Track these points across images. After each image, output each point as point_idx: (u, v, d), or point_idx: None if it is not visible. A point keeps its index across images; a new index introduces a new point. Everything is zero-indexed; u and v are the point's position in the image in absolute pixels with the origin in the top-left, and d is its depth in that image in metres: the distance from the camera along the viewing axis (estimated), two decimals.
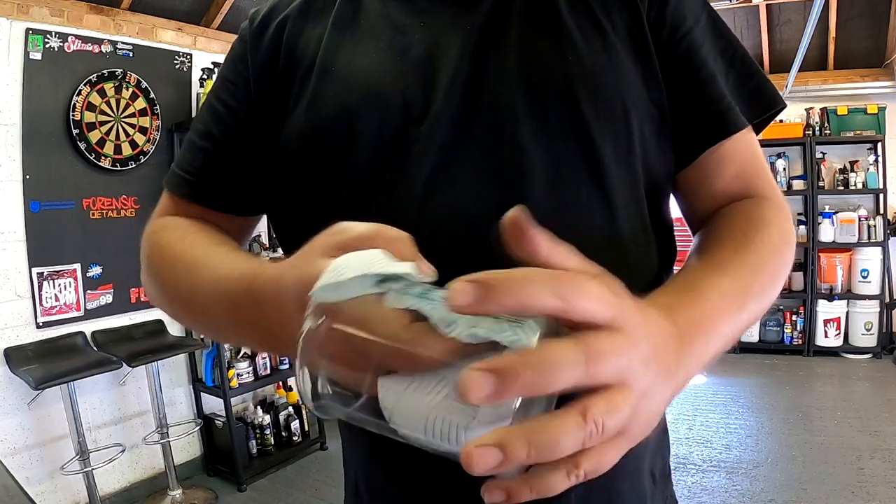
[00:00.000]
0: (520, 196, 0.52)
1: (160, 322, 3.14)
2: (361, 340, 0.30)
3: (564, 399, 0.29)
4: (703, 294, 0.44)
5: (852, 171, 4.77)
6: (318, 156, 0.56)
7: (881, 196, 4.76)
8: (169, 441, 2.96)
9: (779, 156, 4.97)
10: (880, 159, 4.68)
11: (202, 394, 3.31)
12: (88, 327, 2.90)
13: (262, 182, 0.62)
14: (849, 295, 4.81)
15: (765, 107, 0.60)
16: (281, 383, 3.63)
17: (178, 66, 3.29)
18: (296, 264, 0.38)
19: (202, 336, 3.19)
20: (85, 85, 2.85)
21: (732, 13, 4.49)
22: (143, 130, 3.09)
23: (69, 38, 2.82)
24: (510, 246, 0.32)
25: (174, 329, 3.19)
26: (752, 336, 4.92)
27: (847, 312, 4.82)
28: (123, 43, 3.03)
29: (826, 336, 4.83)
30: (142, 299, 3.08)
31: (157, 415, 2.97)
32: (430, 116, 0.53)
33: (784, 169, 4.93)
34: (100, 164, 2.91)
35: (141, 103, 3.08)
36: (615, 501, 0.56)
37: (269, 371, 3.37)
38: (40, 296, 2.74)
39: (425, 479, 0.56)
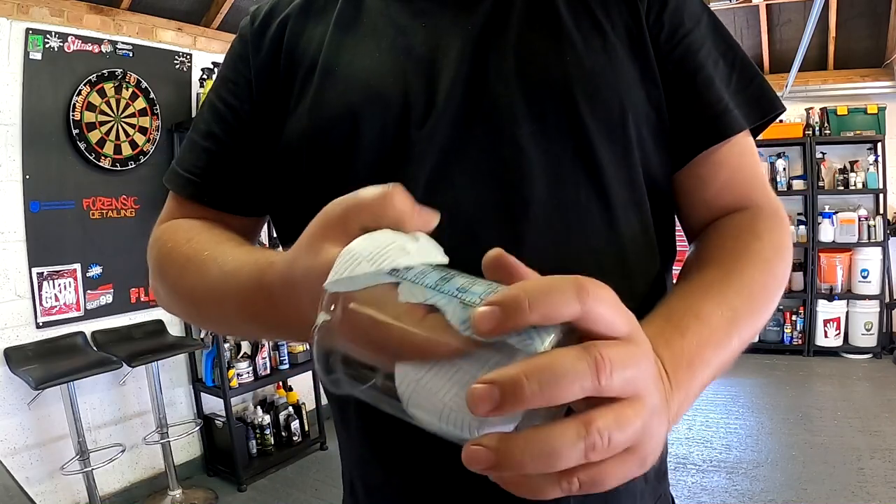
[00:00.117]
0: (519, 197, 0.52)
1: (160, 322, 3.14)
2: (376, 333, 0.30)
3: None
4: (686, 323, 0.43)
5: (852, 171, 4.77)
6: (320, 155, 0.57)
7: (881, 196, 4.76)
8: (169, 441, 2.96)
9: (779, 156, 4.97)
10: (880, 159, 4.68)
11: (202, 394, 3.31)
12: (88, 327, 2.90)
13: (267, 181, 0.62)
14: (849, 295, 4.81)
15: (765, 110, 0.60)
16: (281, 383, 3.62)
17: (178, 66, 3.29)
18: (304, 254, 0.37)
19: (202, 336, 3.19)
20: (85, 85, 2.85)
21: (732, 13, 4.49)
22: (143, 130, 3.10)
23: (69, 38, 2.82)
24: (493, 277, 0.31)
25: (174, 329, 3.19)
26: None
27: (847, 312, 4.82)
28: (123, 43, 3.03)
29: (826, 336, 4.83)
30: (142, 299, 3.08)
31: (157, 415, 2.97)
32: (431, 118, 0.53)
33: (784, 169, 4.93)
34: (100, 164, 2.91)
35: (141, 103, 3.08)
36: (611, 501, 0.56)
37: (269, 371, 3.37)
38: (40, 296, 2.74)
39: (423, 481, 0.56)
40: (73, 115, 2.81)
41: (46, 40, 2.74)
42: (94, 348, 2.85)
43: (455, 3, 0.57)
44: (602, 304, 0.28)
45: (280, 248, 0.53)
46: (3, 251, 2.65)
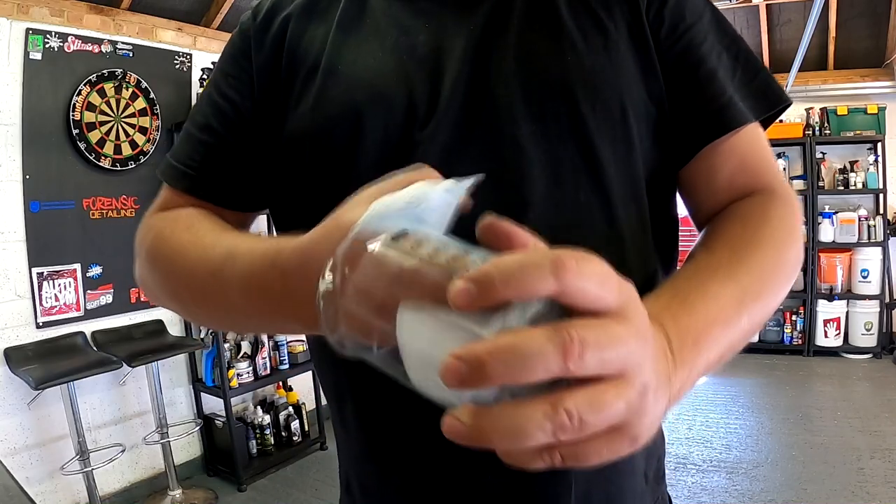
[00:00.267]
0: (519, 197, 0.52)
1: (160, 322, 3.14)
2: (383, 284, 0.30)
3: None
4: (692, 300, 0.42)
5: (852, 171, 4.77)
6: (323, 153, 0.57)
7: (881, 196, 4.76)
8: (169, 441, 2.96)
9: (779, 156, 4.97)
10: (880, 159, 4.68)
11: (202, 394, 3.31)
12: (88, 327, 2.90)
13: (263, 177, 0.62)
14: (849, 295, 4.81)
15: (772, 103, 0.59)
16: (281, 383, 3.63)
17: (177, 66, 3.29)
18: (323, 225, 0.37)
19: (202, 336, 3.19)
20: (85, 85, 2.85)
21: (732, 13, 4.49)
22: (142, 130, 3.10)
23: (69, 38, 2.82)
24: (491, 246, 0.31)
25: (174, 329, 3.19)
26: (752, 336, 4.91)
27: (847, 312, 4.82)
28: (123, 43, 3.03)
29: (826, 336, 4.83)
30: (142, 299, 3.08)
31: (157, 415, 2.97)
32: (434, 119, 0.53)
33: (784, 169, 4.93)
34: (100, 164, 2.92)
35: (141, 103, 3.08)
36: (615, 500, 0.56)
37: (269, 371, 3.37)
38: (40, 296, 2.74)
39: (421, 480, 0.56)
40: (73, 115, 2.81)
41: (46, 40, 2.74)
42: (94, 348, 2.85)
43: (456, 4, 0.57)
44: (583, 279, 0.27)
45: None
46: (3, 251, 2.65)
